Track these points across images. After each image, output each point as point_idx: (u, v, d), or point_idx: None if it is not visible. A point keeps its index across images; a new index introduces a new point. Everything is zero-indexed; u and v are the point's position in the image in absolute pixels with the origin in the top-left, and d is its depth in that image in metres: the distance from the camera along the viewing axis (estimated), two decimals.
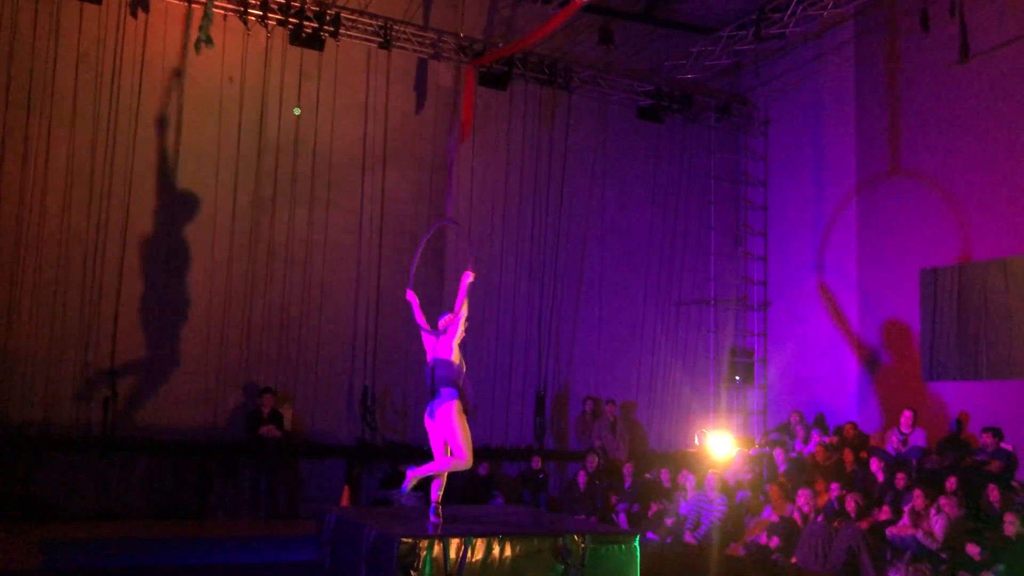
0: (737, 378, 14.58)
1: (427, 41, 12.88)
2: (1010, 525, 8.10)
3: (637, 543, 6.93)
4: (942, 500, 8.66)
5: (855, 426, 11.62)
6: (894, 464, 10.20)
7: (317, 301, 12.26)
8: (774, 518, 9.72)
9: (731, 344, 14.74)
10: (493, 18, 13.41)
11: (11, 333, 10.73)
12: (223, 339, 11.70)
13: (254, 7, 11.78)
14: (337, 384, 12.31)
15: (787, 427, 12.78)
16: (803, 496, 9.67)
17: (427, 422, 7.59)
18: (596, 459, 12.22)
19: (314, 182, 12.36)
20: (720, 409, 14.55)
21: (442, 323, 7.68)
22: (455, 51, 12.99)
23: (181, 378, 11.49)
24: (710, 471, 10.93)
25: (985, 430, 10.14)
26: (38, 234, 10.92)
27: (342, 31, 12.23)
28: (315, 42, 12.08)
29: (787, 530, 9.43)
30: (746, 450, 12.42)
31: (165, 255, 11.56)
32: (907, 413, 10.95)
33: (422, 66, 13.10)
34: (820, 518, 9.27)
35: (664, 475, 11.52)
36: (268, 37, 12.05)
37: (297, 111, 12.19)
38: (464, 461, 7.36)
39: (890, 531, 8.73)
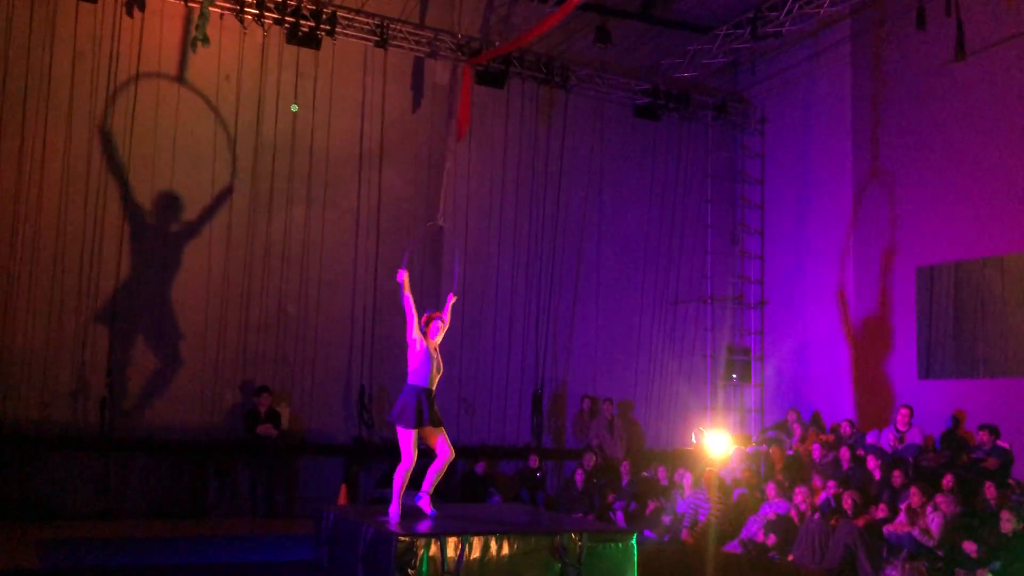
0: (734, 376, 14.60)
1: (424, 40, 12.87)
2: (1006, 522, 8.12)
3: (635, 541, 6.94)
4: (939, 498, 8.68)
5: (852, 424, 11.64)
6: (891, 462, 10.21)
7: (314, 300, 12.26)
8: (771, 516, 9.73)
9: (728, 342, 14.76)
10: (490, 16, 13.41)
11: (7, 332, 10.72)
12: (220, 338, 11.70)
13: (250, 6, 11.76)
14: (334, 383, 12.31)
15: (784, 425, 12.80)
16: (800, 494, 9.69)
17: (433, 425, 7.37)
18: (593, 457, 12.23)
19: (311, 181, 12.36)
20: (717, 407, 14.56)
21: (434, 316, 7.48)
22: (452, 50, 12.98)
23: (178, 377, 11.49)
24: (707, 469, 10.94)
25: (982, 427, 10.17)
26: (35, 232, 10.90)
27: (338, 30, 12.22)
28: (311, 41, 12.06)
29: (784, 528, 9.45)
30: (743, 448, 12.44)
31: (162, 254, 11.55)
32: (903, 411, 10.97)
33: (419, 65, 13.09)
34: (817, 516, 9.29)
35: (661, 473, 11.53)
36: (264, 36, 12.04)
37: (295, 108, 12.19)
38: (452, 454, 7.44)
39: (887, 529, 8.75)
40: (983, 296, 11.31)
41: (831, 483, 9.72)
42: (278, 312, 12.05)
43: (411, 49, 12.89)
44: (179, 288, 11.60)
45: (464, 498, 11.64)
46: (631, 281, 14.32)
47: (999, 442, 10.03)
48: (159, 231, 11.58)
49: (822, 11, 12.38)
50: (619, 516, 11.10)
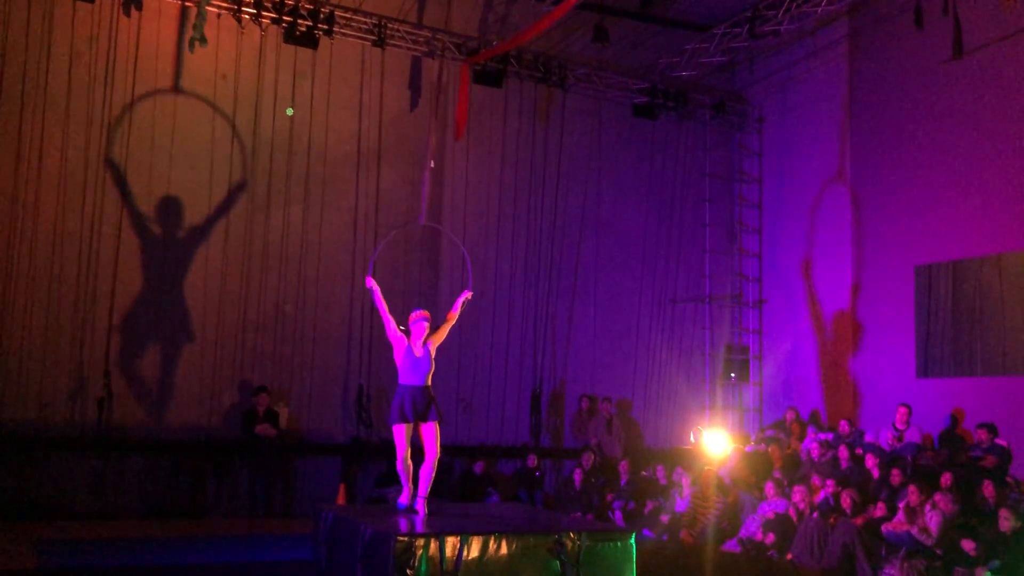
0: (732, 375, 14.61)
1: (421, 39, 12.86)
2: (1005, 521, 8.11)
3: (633, 540, 6.93)
4: (937, 496, 8.68)
5: (850, 422, 11.64)
6: (889, 460, 10.22)
7: (312, 299, 12.25)
8: (770, 515, 9.73)
9: (726, 341, 14.77)
10: (487, 16, 13.40)
11: (5, 332, 10.70)
12: (218, 338, 11.69)
13: (248, 5, 11.75)
14: (332, 383, 12.30)
15: (782, 424, 12.81)
16: (798, 493, 9.69)
17: (425, 425, 7.48)
18: (592, 457, 12.23)
19: (308, 180, 12.35)
20: (716, 406, 14.56)
21: (416, 319, 7.51)
22: (449, 49, 12.97)
23: (176, 377, 11.48)
24: (706, 468, 10.94)
25: (980, 426, 10.17)
26: (32, 232, 10.89)
27: (336, 29, 12.21)
28: (309, 40, 12.05)
29: (783, 527, 9.45)
30: (742, 447, 12.44)
31: (159, 254, 11.54)
32: (902, 409, 10.98)
33: (416, 64, 13.08)
34: (816, 515, 9.29)
35: (660, 472, 11.52)
36: (262, 35, 12.03)
37: (290, 111, 12.18)
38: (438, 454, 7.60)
39: (885, 527, 8.75)
40: (981, 295, 11.32)
41: (829, 482, 9.72)
42: (276, 312, 12.05)
43: (409, 48, 12.88)
44: (177, 288, 11.59)
45: (463, 497, 11.64)
46: (629, 280, 14.32)
47: (997, 440, 10.04)
48: (157, 231, 11.56)
49: (820, 10, 12.38)
50: (618, 515, 11.10)
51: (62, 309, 10.94)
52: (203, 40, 10.94)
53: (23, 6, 10.98)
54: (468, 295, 7.90)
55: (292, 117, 12.22)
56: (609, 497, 11.48)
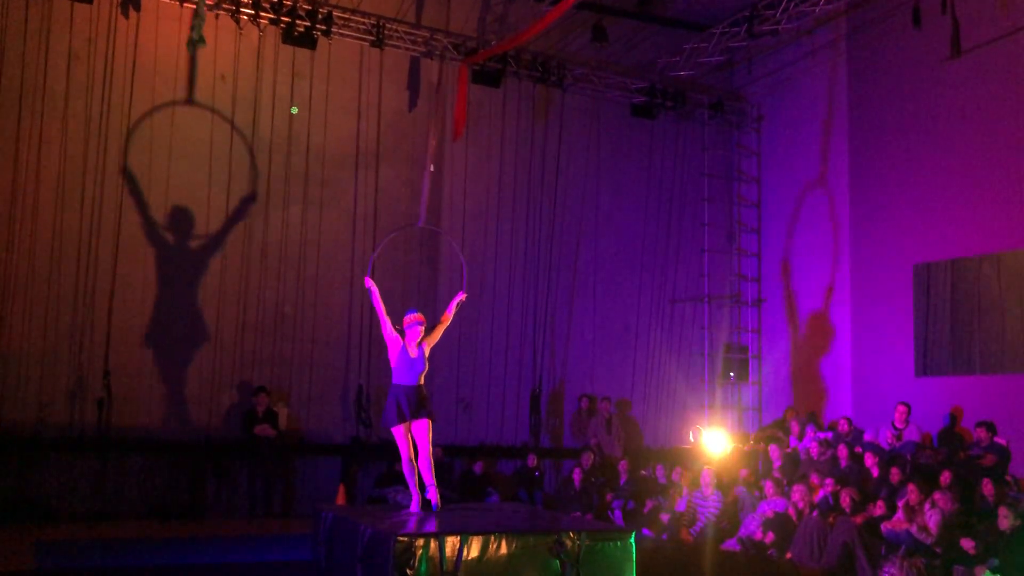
0: (732, 374, 14.61)
1: (420, 39, 12.87)
2: (1004, 519, 8.11)
3: (633, 540, 6.93)
4: (936, 495, 8.68)
5: (849, 421, 11.65)
6: (888, 459, 10.22)
7: (311, 300, 12.25)
8: (769, 514, 9.73)
9: (725, 340, 14.77)
10: (486, 16, 13.40)
11: (4, 333, 10.70)
12: (217, 338, 11.69)
13: (246, 6, 11.75)
14: (332, 383, 12.30)
15: (782, 423, 12.81)
16: (798, 492, 9.69)
17: (416, 423, 7.59)
18: (591, 456, 12.23)
19: (307, 181, 12.35)
20: (715, 405, 14.57)
21: (412, 320, 7.62)
22: (448, 49, 12.98)
23: (176, 378, 11.47)
24: (705, 467, 10.95)
25: (979, 424, 10.17)
26: (31, 233, 10.88)
27: (334, 29, 12.22)
28: (307, 41, 12.06)
29: (782, 526, 9.45)
30: (741, 446, 12.45)
31: (158, 254, 11.53)
32: (901, 408, 10.98)
33: (415, 64, 13.08)
34: (815, 513, 9.29)
35: (659, 472, 11.53)
36: (260, 36, 12.03)
37: (295, 110, 12.19)
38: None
39: (885, 526, 8.75)
40: (980, 293, 11.32)
41: (829, 481, 9.73)
42: (275, 312, 12.05)
43: (407, 49, 12.88)
44: (177, 289, 11.58)
45: (462, 497, 11.63)
46: (628, 280, 14.33)
47: (996, 439, 10.05)
48: (156, 232, 11.55)
49: (818, 9, 12.39)
50: (617, 515, 11.10)
51: (61, 310, 10.94)
52: (201, 41, 10.95)
53: (21, 7, 10.97)
54: (462, 297, 8.05)
55: (291, 117, 12.21)
56: (609, 497, 11.49)
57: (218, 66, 11.88)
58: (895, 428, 10.94)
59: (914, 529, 8.49)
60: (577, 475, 11.88)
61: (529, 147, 13.72)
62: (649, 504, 10.95)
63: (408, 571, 6.25)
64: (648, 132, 14.58)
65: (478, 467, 12.21)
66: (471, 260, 13.10)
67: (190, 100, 11.67)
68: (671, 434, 14.10)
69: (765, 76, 14.79)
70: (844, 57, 13.52)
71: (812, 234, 13.94)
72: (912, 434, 10.80)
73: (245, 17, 11.81)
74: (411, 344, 7.57)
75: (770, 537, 9.46)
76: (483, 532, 6.54)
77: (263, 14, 11.85)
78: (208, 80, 11.86)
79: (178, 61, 11.60)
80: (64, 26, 11.13)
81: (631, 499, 11.29)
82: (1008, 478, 9.55)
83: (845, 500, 9.30)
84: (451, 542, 6.39)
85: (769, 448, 11.55)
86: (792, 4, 12.42)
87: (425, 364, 7.62)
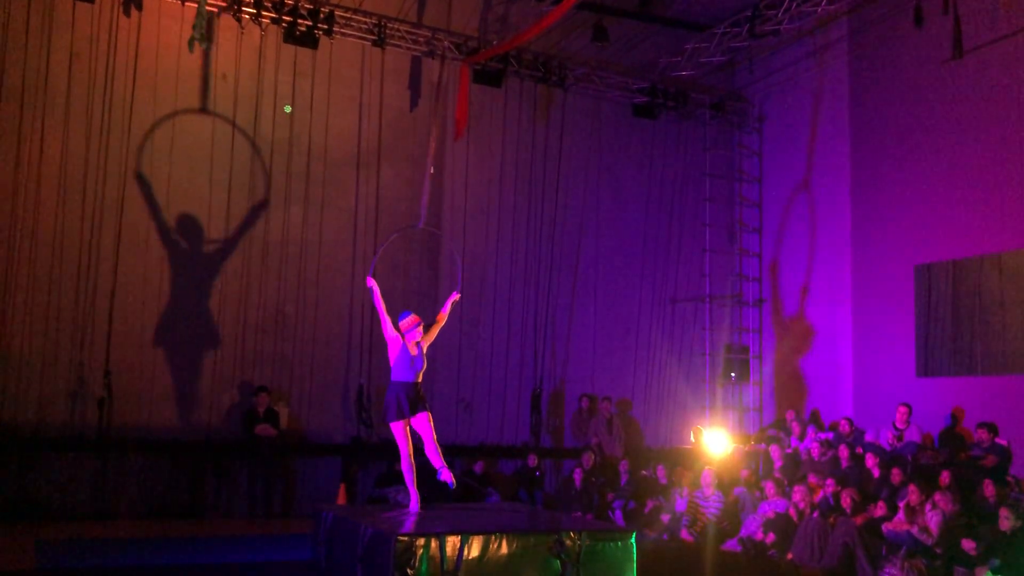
0: (732, 375, 14.60)
1: (421, 39, 12.86)
2: (1005, 520, 8.11)
3: (633, 540, 6.93)
4: (937, 496, 8.68)
5: (850, 422, 11.64)
6: (889, 460, 10.22)
7: (312, 299, 12.25)
8: (770, 514, 9.73)
9: (726, 341, 14.76)
10: (487, 16, 13.40)
11: (5, 332, 10.70)
12: (219, 338, 11.69)
13: (248, 5, 11.75)
14: (333, 382, 12.30)
15: (782, 423, 12.80)
16: (799, 492, 9.69)
17: (416, 417, 7.73)
18: (592, 456, 12.22)
19: (308, 180, 12.35)
20: (716, 406, 14.56)
21: (410, 324, 7.79)
22: (449, 49, 12.97)
23: (177, 377, 11.47)
24: (706, 468, 10.94)
25: (980, 425, 10.17)
26: (32, 233, 10.88)
27: (336, 29, 12.21)
28: (309, 40, 12.06)
29: (783, 526, 9.45)
30: (742, 447, 12.44)
31: (159, 253, 11.53)
32: (902, 409, 10.97)
33: (416, 64, 13.08)
34: (816, 514, 9.29)
35: (660, 472, 11.52)
36: (262, 35, 12.02)
37: (288, 109, 12.17)
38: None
39: (885, 527, 8.75)
40: (981, 294, 11.31)
41: (829, 481, 9.72)
42: (276, 312, 12.04)
43: (408, 48, 12.88)
44: (178, 288, 11.58)
45: (463, 497, 11.63)
46: (629, 280, 14.32)
47: (998, 440, 10.04)
48: (157, 232, 11.55)
49: (820, 9, 12.38)
50: (618, 515, 11.10)
51: (62, 309, 10.94)
52: (203, 40, 10.94)
53: (23, 6, 10.97)
54: (456, 297, 8.23)
55: (292, 116, 12.21)
56: (609, 497, 11.48)
57: (219, 65, 11.88)
58: (896, 429, 10.93)
59: (915, 530, 8.49)
60: (578, 475, 11.88)
61: (530, 147, 13.72)
62: (650, 504, 10.94)
63: (408, 571, 6.25)
64: (649, 132, 14.57)
65: (478, 467, 12.20)
66: (472, 260, 13.11)
67: (203, 108, 11.69)
68: (672, 434, 14.09)
69: (766, 76, 14.78)
70: (846, 57, 13.51)
71: (812, 234, 13.92)
72: (913, 435, 10.80)
73: (247, 16, 11.81)
74: (410, 343, 7.74)
75: (771, 538, 9.45)
76: (483, 532, 6.55)
77: (265, 13, 11.85)
78: (209, 80, 11.84)
79: (180, 60, 11.58)
80: (66, 25, 11.13)
81: (632, 499, 11.29)
82: (1009, 479, 9.54)
83: (846, 501, 9.29)
84: (452, 542, 6.40)
85: (770, 448, 11.55)
86: (794, 4, 12.41)
87: (424, 362, 7.79)
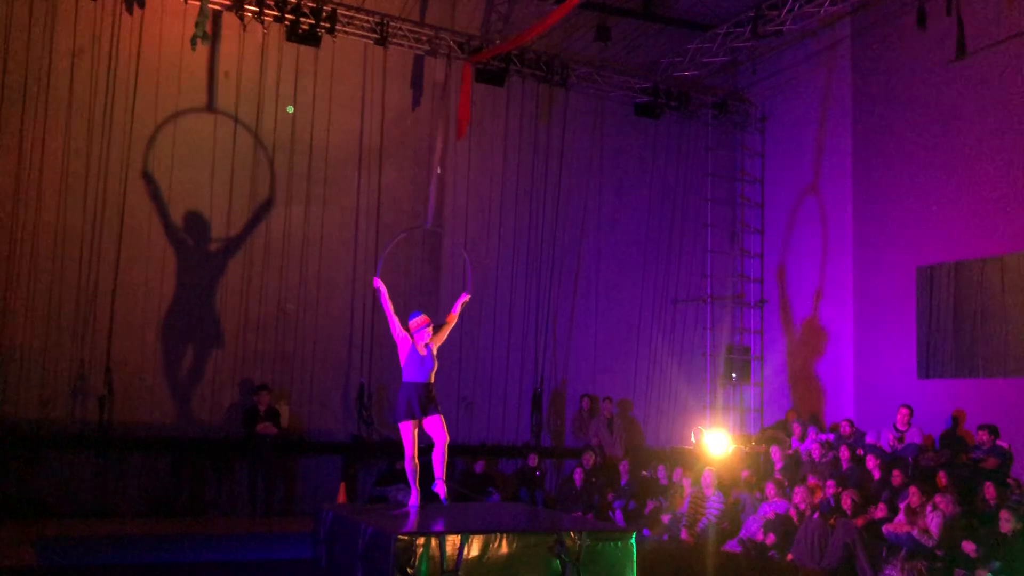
0: (734, 375, 14.59)
1: (424, 38, 12.86)
2: (1005, 522, 8.11)
3: (634, 540, 6.93)
4: (938, 498, 8.67)
5: (851, 423, 11.64)
6: (890, 461, 10.21)
7: (313, 298, 12.25)
8: (770, 515, 9.72)
9: (728, 341, 14.75)
10: (490, 15, 13.39)
11: (6, 330, 10.70)
12: (219, 336, 11.69)
13: (250, 3, 11.74)
14: (334, 381, 12.30)
15: (783, 424, 12.80)
16: (799, 493, 9.68)
17: (429, 419, 7.71)
18: (593, 456, 12.22)
19: (310, 178, 12.35)
20: (717, 406, 14.56)
21: (419, 324, 7.74)
22: (452, 48, 12.97)
23: (177, 375, 11.48)
24: (707, 468, 10.94)
25: (981, 427, 10.16)
26: (34, 230, 10.89)
27: (338, 28, 12.21)
28: (311, 39, 12.05)
29: (783, 527, 9.44)
30: (742, 447, 12.44)
31: (160, 251, 11.53)
32: (903, 410, 10.96)
33: (418, 63, 13.07)
34: (816, 515, 9.28)
35: (661, 472, 11.52)
36: (264, 33, 12.02)
37: (290, 109, 12.18)
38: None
39: (886, 528, 8.74)
40: (983, 296, 11.30)
41: (830, 482, 9.72)
42: (278, 310, 12.04)
43: (411, 47, 12.87)
44: (178, 286, 11.58)
45: (463, 497, 11.62)
46: (631, 280, 14.31)
47: (998, 442, 10.03)
48: (159, 230, 11.55)
49: (823, 10, 12.36)
50: (618, 515, 11.10)
51: (63, 307, 10.94)
52: (205, 38, 10.95)
53: (25, 3, 10.97)
54: (466, 298, 8.19)
55: (294, 115, 12.22)
56: (610, 497, 11.48)
57: (222, 63, 11.88)
58: (897, 430, 10.92)
59: (915, 532, 8.48)
60: (578, 475, 11.88)
61: (532, 146, 13.71)
62: (650, 505, 10.94)
63: (409, 570, 6.25)
64: (651, 132, 14.57)
65: (479, 466, 12.20)
66: (473, 259, 13.06)
67: (206, 107, 11.66)
68: (673, 434, 14.09)
69: (769, 77, 14.77)
70: (848, 58, 13.50)
71: (814, 235, 13.92)
72: (914, 436, 10.79)
73: (249, 15, 11.80)
74: (420, 344, 7.71)
75: (771, 538, 9.45)
76: (484, 531, 6.54)
77: (267, 11, 11.84)
78: (214, 77, 11.84)
79: (182, 58, 11.59)
80: (68, 22, 11.13)
81: (632, 499, 11.28)
82: (1010, 481, 9.53)
83: (846, 502, 9.29)
84: (452, 541, 6.39)
85: (770, 449, 11.54)
86: (797, 5, 12.39)
87: (434, 361, 7.77)
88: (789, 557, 9.11)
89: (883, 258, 12.72)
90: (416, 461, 7.78)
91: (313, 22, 12.00)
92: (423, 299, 12.70)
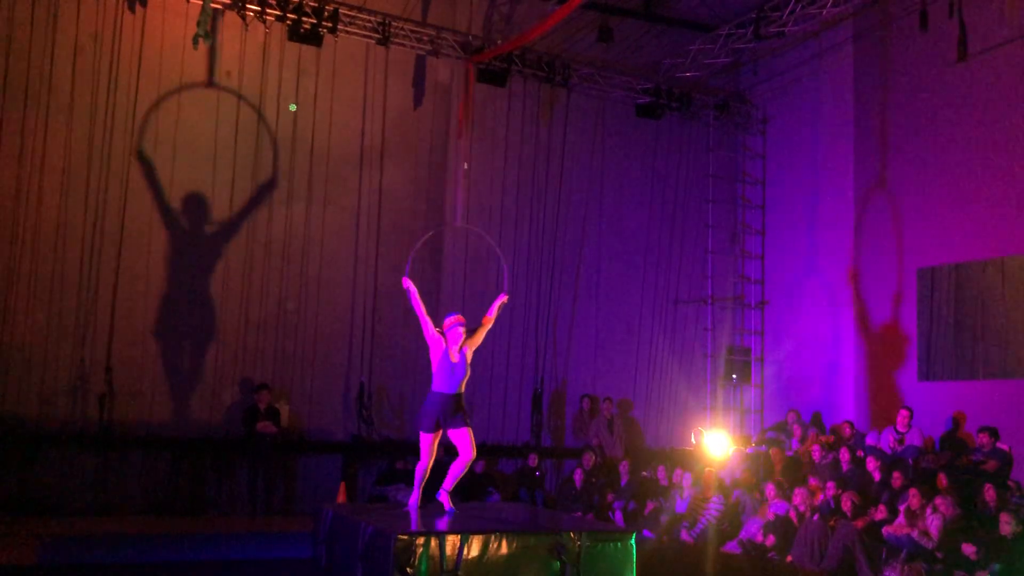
0: (734, 376, 14.58)
1: (425, 38, 12.86)
2: (1005, 524, 8.11)
3: (633, 541, 6.93)
4: (938, 500, 8.67)
5: (852, 425, 11.64)
6: (890, 463, 10.21)
7: (314, 297, 12.25)
8: (770, 517, 9.72)
9: (728, 343, 14.75)
10: (492, 15, 13.39)
11: (7, 328, 10.70)
12: (220, 335, 11.69)
13: (252, 3, 11.75)
14: (334, 380, 12.30)
15: (784, 426, 12.79)
16: (799, 495, 9.68)
17: (457, 431, 7.41)
18: (593, 457, 12.22)
19: (311, 178, 12.35)
20: (717, 407, 14.56)
21: (451, 323, 7.46)
22: (454, 48, 12.97)
23: (178, 374, 11.48)
24: (707, 469, 10.94)
25: (982, 430, 10.15)
26: (35, 228, 10.89)
27: (340, 27, 12.21)
28: (313, 38, 12.05)
29: (783, 529, 9.44)
30: (742, 449, 12.44)
31: (162, 250, 11.54)
32: (903, 412, 10.96)
33: (420, 63, 13.07)
34: (816, 517, 9.28)
35: (661, 473, 11.52)
36: (266, 33, 12.02)
37: (293, 107, 12.18)
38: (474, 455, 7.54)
39: (886, 530, 8.74)
40: (984, 298, 11.30)
41: (830, 484, 9.71)
42: (278, 309, 12.04)
43: (413, 47, 12.87)
44: (180, 285, 11.58)
45: (463, 497, 11.62)
46: (631, 280, 14.31)
47: (999, 444, 10.03)
48: (160, 228, 11.55)
49: (824, 12, 12.36)
50: (618, 515, 11.10)
51: (64, 305, 10.94)
52: (207, 37, 10.94)
53: (27, 1, 10.97)
54: (504, 299, 7.86)
55: (296, 114, 12.22)
56: (610, 497, 11.48)
57: (224, 62, 11.88)
58: (897, 432, 10.92)
59: (915, 534, 8.48)
60: (578, 475, 11.88)
61: (533, 147, 13.71)
62: (650, 505, 10.94)
63: (408, 570, 6.25)
64: (653, 133, 14.56)
65: (479, 466, 12.19)
66: (474, 258, 13.11)
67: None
68: (673, 435, 14.08)
69: (771, 78, 14.77)
70: (850, 60, 13.49)
71: (815, 236, 13.91)
72: (914, 438, 10.78)
73: (251, 14, 11.81)
74: (452, 347, 7.40)
75: (771, 540, 9.44)
76: (484, 531, 6.55)
77: (269, 11, 11.85)
78: (215, 75, 11.84)
79: (184, 56, 11.59)
80: (70, 20, 11.13)
81: (632, 500, 11.28)
82: (1010, 483, 9.53)
83: (846, 504, 9.28)
84: (451, 541, 6.39)
85: (771, 451, 11.54)
86: (799, 6, 12.39)
87: (467, 370, 7.45)
88: (789, 559, 9.11)
89: (884, 259, 12.71)
90: (428, 471, 7.58)
91: (315, 21, 12.00)
92: (424, 298, 12.65)
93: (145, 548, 9.09)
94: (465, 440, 7.38)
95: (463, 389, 7.48)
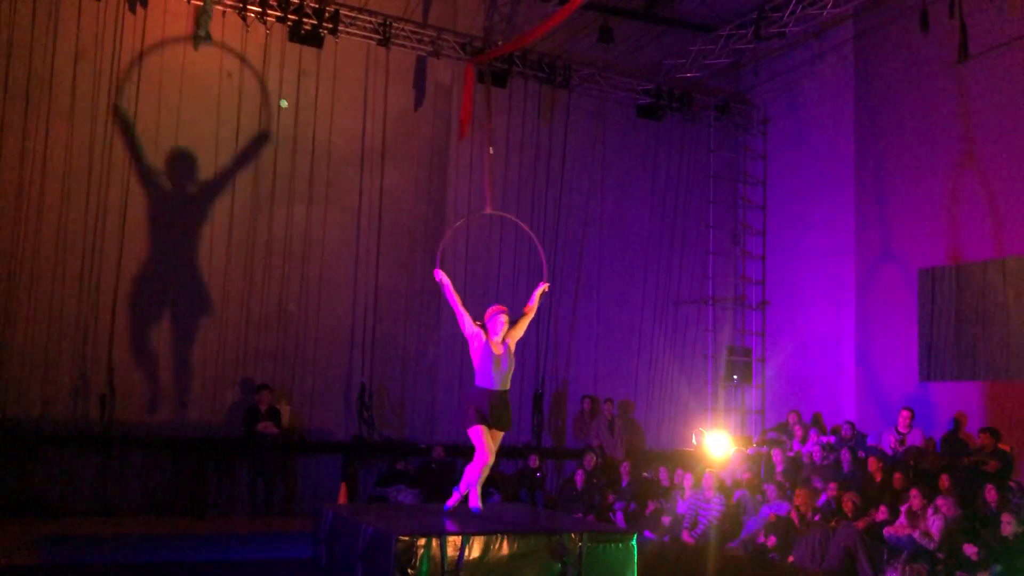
0: (735, 377, 14.58)
1: (426, 38, 12.86)
2: (1007, 525, 8.10)
3: (634, 542, 6.92)
4: (939, 500, 8.66)
5: (853, 426, 11.63)
6: (891, 464, 10.20)
7: (315, 298, 12.25)
8: (771, 517, 9.72)
9: (729, 343, 14.74)
10: (492, 16, 13.40)
11: (8, 329, 10.71)
12: (220, 335, 11.69)
13: (253, 4, 11.75)
14: (335, 381, 12.30)
15: (785, 426, 12.78)
16: (800, 495, 9.67)
17: (494, 428, 7.17)
18: (594, 458, 12.21)
19: (312, 179, 12.35)
20: (718, 408, 14.56)
21: (493, 312, 7.31)
22: (454, 48, 12.97)
23: (179, 374, 11.48)
24: (708, 470, 10.93)
25: (983, 430, 10.15)
26: (36, 229, 10.89)
27: (341, 28, 12.22)
28: (314, 39, 12.06)
29: (784, 529, 9.44)
30: (744, 449, 12.43)
31: (163, 251, 11.54)
32: (904, 413, 10.96)
33: (421, 63, 13.08)
34: (817, 518, 9.28)
35: (662, 474, 11.51)
36: (267, 34, 12.03)
37: (284, 103, 12.17)
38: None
39: (887, 531, 8.74)
40: (985, 298, 11.27)
41: (831, 485, 9.71)
42: (279, 310, 12.04)
43: (413, 48, 12.88)
44: (181, 286, 11.58)
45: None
46: (632, 281, 14.31)
47: (1000, 445, 10.02)
48: (160, 228, 11.56)
49: (825, 12, 12.36)
50: (619, 516, 11.09)
51: (65, 306, 10.94)
52: (208, 38, 10.94)
53: (28, 3, 10.97)
54: (545, 287, 7.70)
55: (296, 115, 12.21)
56: (611, 498, 11.47)
57: (225, 63, 11.88)
58: (898, 433, 10.92)
59: (916, 534, 8.47)
60: (579, 476, 11.88)
61: (534, 147, 13.71)
62: (651, 506, 10.94)
63: (409, 570, 6.24)
64: (654, 133, 14.56)
65: None
66: (474, 258, 13.11)
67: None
68: (674, 436, 14.07)
69: (771, 79, 14.77)
70: (851, 60, 13.49)
71: (816, 237, 13.91)
72: (915, 439, 10.78)
73: (252, 15, 11.81)
74: (494, 338, 7.10)
75: (772, 541, 9.44)
76: (485, 532, 6.54)
77: (270, 12, 11.85)
78: (215, 77, 11.85)
79: (184, 57, 11.60)
80: (71, 22, 11.14)
81: (633, 501, 11.28)
82: (1011, 484, 9.51)
83: (847, 504, 9.28)
84: (453, 542, 6.39)
85: (772, 451, 11.53)
86: (799, 7, 12.39)
87: (511, 363, 7.14)
88: (790, 559, 9.11)
89: (885, 260, 12.71)
90: (486, 472, 7.12)
91: (316, 23, 12.01)
92: (424, 298, 12.72)
93: (146, 548, 9.09)
94: (493, 443, 7.12)
95: (508, 385, 7.18)
